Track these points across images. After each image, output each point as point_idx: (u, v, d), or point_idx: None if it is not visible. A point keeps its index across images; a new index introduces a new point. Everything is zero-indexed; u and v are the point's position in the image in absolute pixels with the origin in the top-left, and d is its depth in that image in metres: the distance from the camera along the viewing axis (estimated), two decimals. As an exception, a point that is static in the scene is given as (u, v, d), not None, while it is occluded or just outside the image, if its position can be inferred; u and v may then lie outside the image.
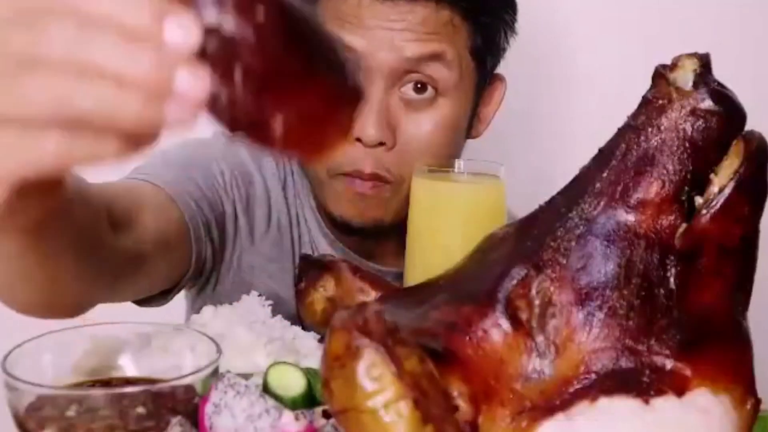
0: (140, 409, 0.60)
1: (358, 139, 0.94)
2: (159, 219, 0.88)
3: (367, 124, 0.94)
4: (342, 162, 0.96)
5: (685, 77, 0.57)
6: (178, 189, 0.93)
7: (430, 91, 0.96)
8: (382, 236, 1.05)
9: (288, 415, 0.58)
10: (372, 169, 0.96)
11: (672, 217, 0.56)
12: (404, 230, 1.04)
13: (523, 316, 0.56)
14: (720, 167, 0.56)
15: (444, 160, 0.97)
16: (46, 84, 0.36)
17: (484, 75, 1.01)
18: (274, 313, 0.85)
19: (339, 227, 1.04)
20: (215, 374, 0.63)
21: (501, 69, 1.12)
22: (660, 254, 0.56)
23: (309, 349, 0.83)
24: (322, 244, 1.08)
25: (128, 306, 1.16)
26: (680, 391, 0.54)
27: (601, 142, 0.60)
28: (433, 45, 0.94)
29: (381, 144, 0.95)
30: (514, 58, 1.47)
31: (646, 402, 0.53)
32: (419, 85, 0.95)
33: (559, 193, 0.61)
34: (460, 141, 1.02)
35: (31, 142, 0.37)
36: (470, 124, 1.04)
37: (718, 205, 0.55)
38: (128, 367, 0.69)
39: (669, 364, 0.54)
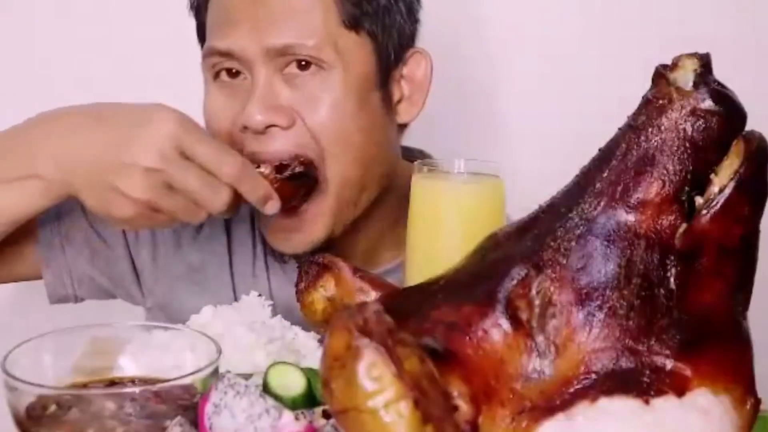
0: (140, 409, 0.60)
1: (246, 127, 0.94)
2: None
3: (252, 110, 0.93)
4: (241, 150, 0.95)
5: (685, 77, 0.57)
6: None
7: (313, 67, 0.94)
8: (343, 241, 1.03)
9: (288, 415, 0.58)
10: (269, 150, 0.94)
11: (672, 217, 0.56)
12: (363, 231, 1.03)
13: (523, 316, 0.56)
14: (720, 167, 0.56)
15: (357, 137, 0.96)
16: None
17: (377, 41, 0.98)
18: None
19: (276, 254, 1.03)
20: (215, 374, 0.63)
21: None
22: (660, 254, 0.56)
23: (309, 349, 0.83)
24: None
25: (128, 306, 1.16)
26: (680, 391, 0.54)
27: (601, 142, 0.60)
28: (292, 33, 0.93)
29: (273, 126, 0.94)
30: (515, 58, 1.48)
31: (646, 402, 0.53)
32: (302, 63, 0.94)
33: (559, 193, 0.61)
34: (372, 118, 0.98)
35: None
36: (390, 105, 1.01)
37: (719, 205, 0.55)
38: (128, 367, 0.69)
39: (669, 364, 0.54)
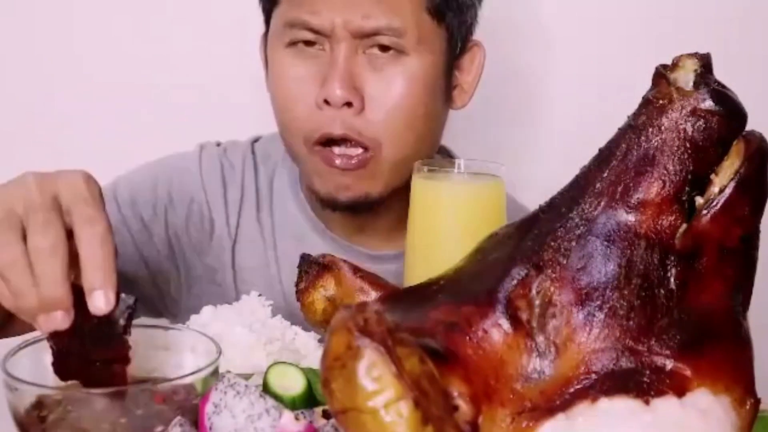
0: (140, 409, 0.60)
1: (326, 101, 0.97)
2: None
3: (333, 85, 0.96)
4: (313, 128, 0.98)
5: (685, 77, 0.57)
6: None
7: (393, 51, 0.98)
8: (372, 212, 1.06)
9: (288, 415, 0.58)
10: (341, 131, 0.97)
11: (672, 218, 0.56)
12: (396, 207, 1.04)
13: (524, 316, 0.56)
14: (720, 167, 0.56)
15: (420, 121, 1.00)
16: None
17: (451, 32, 1.02)
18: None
19: (327, 205, 1.05)
20: (215, 374, 0.63)
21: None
22: (660, 254, 0.56)
23: (309, 349, 0.83)
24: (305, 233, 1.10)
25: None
26: (680, 392, 0.54)
27: (602, 141, 0.60)
28: (382, 17, 0.96)
29: (348, 105, 0.97)
30: (517, 57, 1.48)
31: (647, 402, 0.53)
32: (382, 46, 0.97)
33: (559, 193, 0.61)
34: (436, 103, 1.03)
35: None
36: (449, 92, 1.06)
37: (719, 206, 0.55)
38: (128, 367, 0.68)
39: (669, 364, 0.54)
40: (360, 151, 0.99)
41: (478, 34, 1.08)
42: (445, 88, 1.04)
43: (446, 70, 1.03)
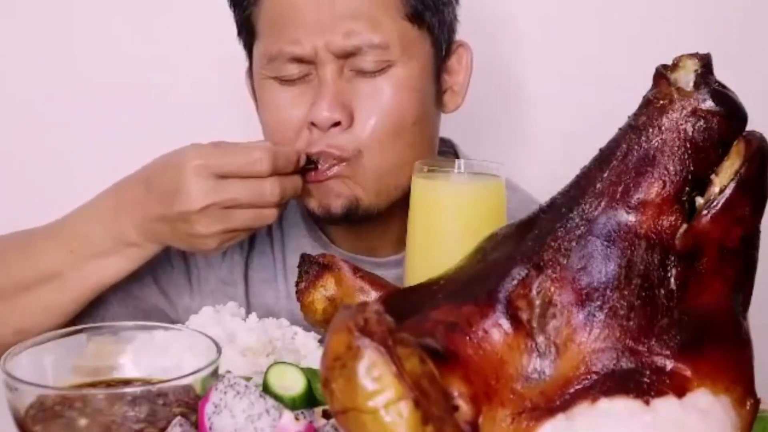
0: (140, 410, 0.60)
1: (314, 124, 0.96)
2: None
3: (321, 106, 0.96)
4: (299, 149, 0.97)
5: (686, 77, 0.57)
6: None
7: (380, 63, 0.97)
8: (377, 227, 1.05)
9: (288, 415, 0.58)
10: (319, 148, 0.97)
11: (673, 218, 0.56)
12: (402, 218, 1.04)
13: (524, 316, 0.56)
14: (721, 168, 0.56)
15: (410, 129, 0.98)
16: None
17: (434, 34, 1.01)
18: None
19: (327, 221, 1.05)
20: (215, 374, 0.63)
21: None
22: (661, 255, 0.56)
23: (309, 349, 0.83)
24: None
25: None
26: (680, 392, 0.54)
27: (602, 141, 0.60)
28: (364, 34, 0.95)
29: (336, 124, 0.96)
30: (516, 56, 1.48)
31: (647, 403, 0.53)
32: (371, 61, 0.97)
33: (559, 193, 0.61)
34: (426, 109, 1.01)
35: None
36: (440, 96, 1.05)
37: (719, 206, 0.55)
38: (128, 367, 0.69)
39: (669, 364, 0.54)
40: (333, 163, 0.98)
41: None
42: (435, 92, 1.03)
43: (435, 75, 1.02)
